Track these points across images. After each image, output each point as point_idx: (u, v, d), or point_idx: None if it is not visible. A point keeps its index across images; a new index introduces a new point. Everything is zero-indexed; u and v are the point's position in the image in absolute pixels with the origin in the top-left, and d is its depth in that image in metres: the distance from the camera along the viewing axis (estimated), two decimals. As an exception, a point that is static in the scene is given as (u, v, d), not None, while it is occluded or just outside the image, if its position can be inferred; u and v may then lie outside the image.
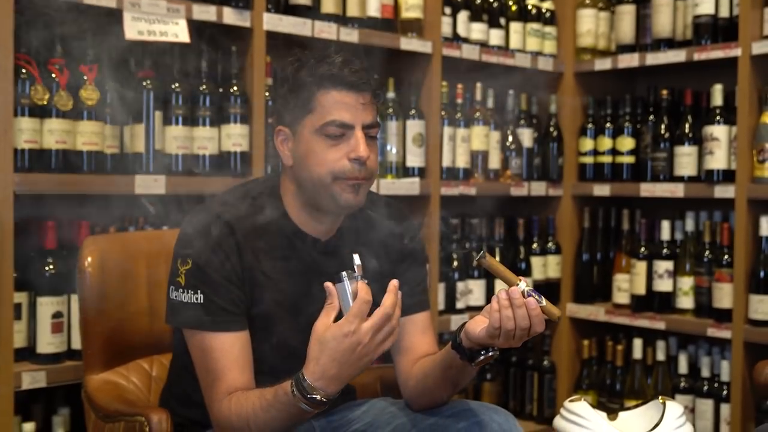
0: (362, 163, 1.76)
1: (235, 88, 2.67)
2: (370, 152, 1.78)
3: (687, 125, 3.31)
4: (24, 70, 2.32)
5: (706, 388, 3.26)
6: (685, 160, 3.29)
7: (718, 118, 3.20)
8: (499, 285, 1.76)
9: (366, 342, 1.58)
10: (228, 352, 1.74)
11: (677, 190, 3.29)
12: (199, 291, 1.74)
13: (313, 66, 1.76)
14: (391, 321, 1.60)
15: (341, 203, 1.78)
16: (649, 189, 3.37)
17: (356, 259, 1.63)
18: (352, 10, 2.97)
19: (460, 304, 3.30)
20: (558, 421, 2.00)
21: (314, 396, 1.60)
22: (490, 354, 1.72)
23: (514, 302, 1.64)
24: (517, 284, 1.66)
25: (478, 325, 1.69)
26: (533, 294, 1.66)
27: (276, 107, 1.85)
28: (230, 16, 2.65)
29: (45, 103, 2.35)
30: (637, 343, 3.40)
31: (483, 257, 1.68)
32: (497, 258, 3.46)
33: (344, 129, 1.76)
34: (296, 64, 1.79)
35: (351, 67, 1.76)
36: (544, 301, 1.67)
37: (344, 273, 1.60)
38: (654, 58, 3.37)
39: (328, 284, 1.61)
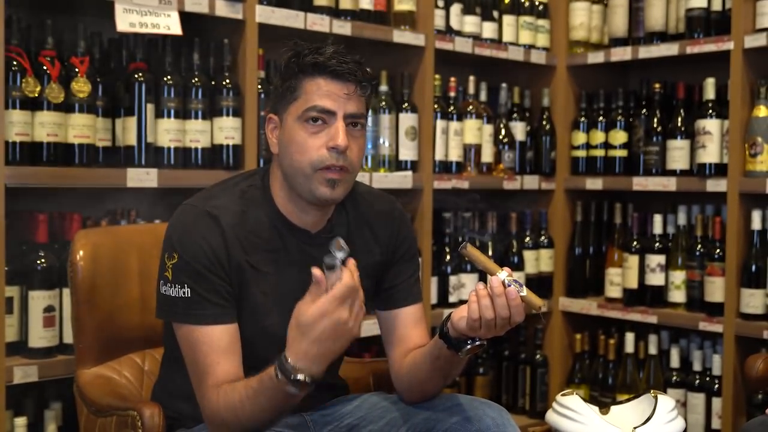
0: (340, 153, 1.75)
1: (228, 80, 2.66)
2: (352, 144, 1.77)
3: (679, 119, 3.31)
4: (15, 62, 2.31)
5: (697, 382, 3.26)
6: (678, 153, 3.30)
7: (710, 111, 3.21)
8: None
9: (343, 319, 1.58)
10: (216, 345, 1.74)
11: (669, 184, 3.29)
12: (186, 285, 1.74)
13: (303, 55, 1.78)
14: (358, 293, 1.60)
15: (317, 195, 1.78)
16: (641, 183, 3.38)
17: (343, 243, 1.59)
18: (345, 3, 2.96)
19: (452, 298, 3.30)
20: (550, 415, 2.01)
21: (298, 377, 1.59)
22: (477, 344, 1.72)
23: (494, 291, 1.65)
24: (498, 274, 1.67)
25: (461, 316, 1.70)
26: (514, 283, 1.66)
27: (270, 96, 1.86)
28: (222, 8, 2.64)
29: (36, 95, 2.33)
30: (629, 337, 3.40)
31: (464, 247, 1.69)
32: (489, 252, 3.47)
33: (325, 115, 1.76)
34: (289, 53, 1.80)
35: (340, 57, 1.77)
36: (525, 291, 1.67)
37: (338, 260, 1.58)
38: (647, 52, 3.37)
39: (316, 272, 1.59)
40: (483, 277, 3.37)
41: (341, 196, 1.81)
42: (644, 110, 3.45)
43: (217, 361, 1.73)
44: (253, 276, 1.80)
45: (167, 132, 2.57)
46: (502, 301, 1.65)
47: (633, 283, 3.41)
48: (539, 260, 3.61)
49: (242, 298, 1.80)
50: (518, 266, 3.51)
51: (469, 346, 1.73)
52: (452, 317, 1.72)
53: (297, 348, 1.59)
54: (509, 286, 1.65)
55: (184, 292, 1.74)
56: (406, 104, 3.17)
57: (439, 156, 3.26)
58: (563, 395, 2.00)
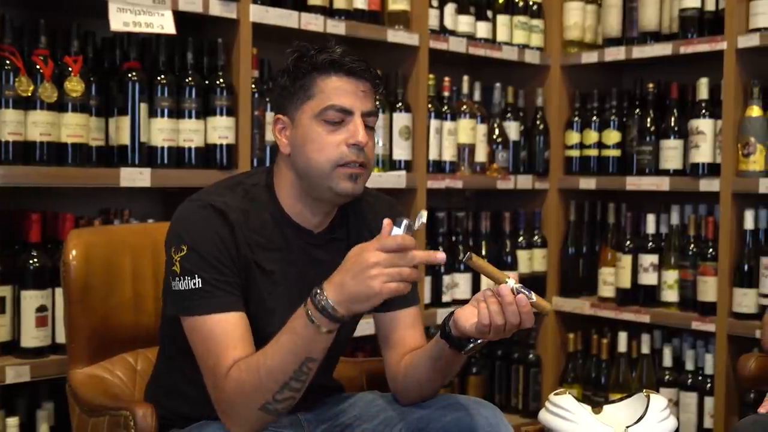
0: (361, 149, 1.76)
1: (221, 80, 2.66)
2: (369, 141, 1.78)
3: (673, 119, 3.32)
4: (8, 62, 2.30)
5: (690, 381, 3.27)
6: (671, 153, 3.30)
7: (703, 111, 3.21)
8: (486, 279, 1.75)
9: (370, 262, 1.52)
10: (232, 331, 1.70)
11: (663, 184, 3.30)
12: (196, 276, 1.71)
13: (313, 54, 1.77)
14: (406, 255, 1.53)
15: (338, 191, 1.77)
16: (634, 182, 3.38)
17: (423, 216, 1.58)
18: (339, 2, 2.96)
19: (446, 298, 3.31)
20: (543, 415, 2.01)
21: (322, 302, 1.56)
22: (480, 342, 1.73)
23: (505, 300, 1.65)
24: (506, 282, 1.66)
25: (467, 318, 1.70)
26: (523, 291, 1.66)
27: (274, 96, 1.85)
28: (216, 8, 2.64)
29: (29, 94, 2.33)
30: (622, 337, 3.41)
31: (470, 258, 1.66)
32: (483, 252, 3.47)
33: (343, 114, 1.76)
34: (296, 53, 1.79)
35: (351, 55, 1.77)
36: (534, 297, 1.67)
37: (405, 221, 1.55)
38: (640, 52, 3.38)
39: (387, 221, 1.56)
40: (477, 278, 3.37)
41: (361, 190, 1.81)
42: (638, 110, 3.46)
43: (232, 346, 1.68)
44: (257, 274, 1.79)
45: (161, 131, 2.57)
46: (513, 309, 1.65)
47: (626, 283, 3.41)
48: (532, 260, 3.62)
49: (246, 296, 1.78)
50: (511, 266, 3.52)
51: (472, 345, 1.74)
52: (455, 317, 1.72)
53: (334, 277, 1.57)
54: (518, 293, 1.65)
55: (194, 283, 1.71)
56: (399, 104, 3.18)
57: (432, 156, 3.27)
58: (556, 394, 2.01)
